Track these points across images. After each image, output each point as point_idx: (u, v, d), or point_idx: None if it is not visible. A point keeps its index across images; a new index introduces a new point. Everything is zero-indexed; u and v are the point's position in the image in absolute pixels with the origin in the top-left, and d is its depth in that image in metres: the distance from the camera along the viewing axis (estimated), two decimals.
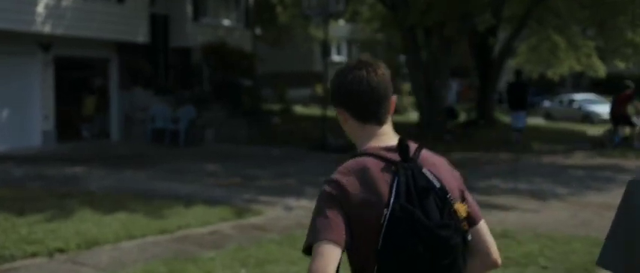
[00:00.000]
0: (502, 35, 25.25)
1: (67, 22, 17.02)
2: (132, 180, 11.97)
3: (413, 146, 2.15)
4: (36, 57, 17.10)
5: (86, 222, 8.31)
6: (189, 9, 21.43)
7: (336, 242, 1.96)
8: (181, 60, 21.69)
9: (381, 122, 2.20)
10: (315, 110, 29.94)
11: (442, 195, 2.03)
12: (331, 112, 28.74)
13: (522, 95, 18.35)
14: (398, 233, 1.95)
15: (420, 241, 1.94)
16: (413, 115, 36.76)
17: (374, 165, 2.08)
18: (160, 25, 20.97)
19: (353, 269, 2.10)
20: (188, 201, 9.74)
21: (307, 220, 2.16)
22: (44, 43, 17.12)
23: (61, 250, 7.15)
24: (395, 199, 1.98)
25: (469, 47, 25.22)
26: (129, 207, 9.27)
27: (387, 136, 2.20)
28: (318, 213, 2.04)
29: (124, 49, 19.35)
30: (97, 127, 19.78)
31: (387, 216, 1.97)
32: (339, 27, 47.28)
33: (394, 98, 2.24)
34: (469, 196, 2.21)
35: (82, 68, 19.71)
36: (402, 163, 2.06)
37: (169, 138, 18.63)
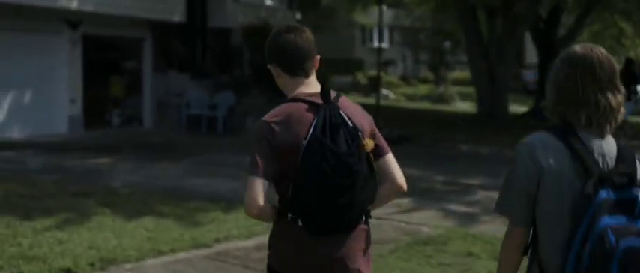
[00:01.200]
0: (565, 20, 23.21)
1: None
2: (162, 175, 10.38)
3: (333, 93, 2.62)
4: (63, 35, 15.62)
5: (103, 230, 6.72)
6: None
7: (262, 176, 2.52)
8: (220, 42, 20.09)
9: (307, 74, 2.71)
10: (357, 98, 28.23)
11: (353, 131, 2.55)
12: (384, 100, 26.85)
13: (630, 85, 16.71)
14: (311, 157, 2.46)
15: (327, 164, 2.44)
16: (462, 105, 34.82)
17: (300, 107, 2.60)
18: (197, 3, 19.36)
19: (279, 194, 2.60)
20: (228, 203, 8.11)
21: None
22: (72, 20, 15.63)
23: (67, 271, 5.57)
24: (313, 131, 2.50)
25: (530, 33, 23.20)
26: (157, 211, 7.67)
27: (313, 85, 2.70)
28: (251, 150, 2.59)
29: (159, 28, 17.82)
30: (128, 113, 18.29)
31: (305, 144, 2.48)
32: (382, 12, 45.27)
33: (317, 57, 2.74)
34: (379, 135, 2.76)
35: (113, 49, 18.19)
36: (324, 105, 2.56)
37: (206, 126, 17.06)
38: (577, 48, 2.41)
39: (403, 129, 16.43)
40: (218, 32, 19.98)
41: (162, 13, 17.22)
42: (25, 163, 11.07)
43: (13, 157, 11.66)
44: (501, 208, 2.42)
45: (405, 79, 54.96)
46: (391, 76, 53.33)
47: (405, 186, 2.73)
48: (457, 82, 50.66)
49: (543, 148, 2.33)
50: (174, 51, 18.28)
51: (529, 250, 2.42)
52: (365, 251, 2.69)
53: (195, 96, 17.44)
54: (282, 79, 2.73)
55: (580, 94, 2.33)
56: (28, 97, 15.15)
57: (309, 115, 2.56)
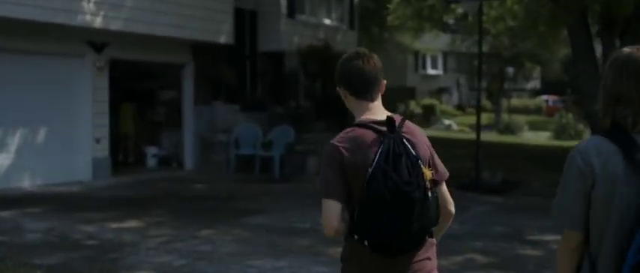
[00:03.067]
0: None
1: (127, 14, 12.60)
2: (209, 253, 7.19)
3: (398, 119, 2.77)
4: (85, 60, 12.73)
5: None
6: (283, 3, 16.82)
7: (336, 198, 2.67)
8: (273, 67, 17.10)
9: (372, 99, 2.86)
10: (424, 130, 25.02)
11: (415, 160, 2.67)
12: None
13: None
14: (375, 185, 2.62)
15: (389, 191, 2.60)
16: (532, 136, 31.24)
17: (367, 134, 2.74)
18: (246, 22, 16.46)
19: (349, 214, 2.71)
20: None
21: None
22: (96, 41, 12.78)
23: None
24: (377, 160, 2.64)
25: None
26: None
27: (377, 110, 2.85)
28: (323, 173, 2.73)
29: (201, 52, 14.89)
30: (167, 152, 15.36)
31: (370, 172, 2.63)
32: (437, 37, 42.60)
33: (384, 82, 2.90)
34: (437, 160, 2.88)
35: (147, 76, 15.31)
36: (388, 133, 2.71)
37: (259, 168, 13.99)
38: (625, 49, 2.42)
39: (504, 171, 13.14)
40: (270, 56, 17.00)
41: (207, 34, 14.29)
42: (20, 232, 8.02)
43: (7, 220, 8.66)
44: (555, 213, 2.42)
45: (460, 107, 51.57)
46: (446, 104, 50.05)
47: (453, 211, 2.94)
48: (515, 110, 47.52)
49: (597, 153, 2.32)
50: (220, 78, 15.31)
51: (584, 256, 2.39)
52: (432, 259, 2.86)
53: (246, 132, 14.40)
54: (349, 102, 2.89)
55: (627, 95, 2.33)
56: (41, 135, 12.24)
57: (375, 143, 2.70)
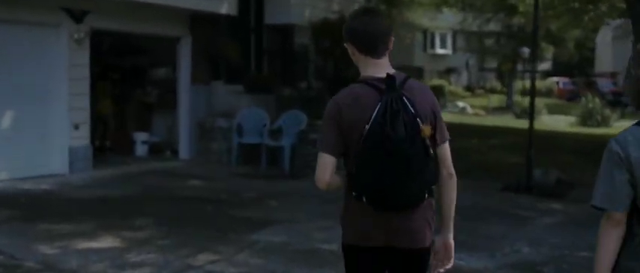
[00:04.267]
0: None
1: None
2: None
3: (400, 77, 2.82)
4: (61, 30, 10.67)
5: None
6: None
7: (330, 152, 2.79)
8: (281, 42, 15.05)
9: (378, 56, 2.89)
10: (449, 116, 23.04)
11: (412, 118, 2.71)
12: (462, 115, 21.19)
13: None
14: (371, 141, 2.70)
15: (384, 147, 2.68)
16: (551, 121, 29.12)
17: (367, 91, 2.80)
18: None
19: (347, 170, 2.84)
20: None
21: None
22: (74, 8, 10.71)
23: None
24: (374, 117, 2.71)
25: None
26: None
27: (382, 67, 2.87)
28: (322, 128, 2.88)
29: (200, 23, 12.84)
30: (159, 139, 13.37)
31: (367, 128, 2.71)
32: (446, 15, 40.70)
33: (392, 39, 2.91)
34: (441, 120, 2.91)
35: (136, 52, 13.27)
36: (387, 91, 2.75)
37: (266, 160, 12.00)
38: None
39: (549, 166, 11.16)
40: (278, 30, 14.97)
41: (206, 3, 12.25)
42: None
43: None
44: (596, 198, 2.49)
45: (470, 89, 49.49)
46: (455, 85, 47.96)
47: (453, 173, 2.94)
48: (527, 92, 45.71)
49: (635, 142, 2.43)
50: (220, 55, 13.26)
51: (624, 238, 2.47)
52: (430, 223, 2.90)
53: (251, 117, 12.40)
54: (356, 58, 2.92)
55: None
56: (6, 121, 10.23)
57: (374, 100, 2.75)
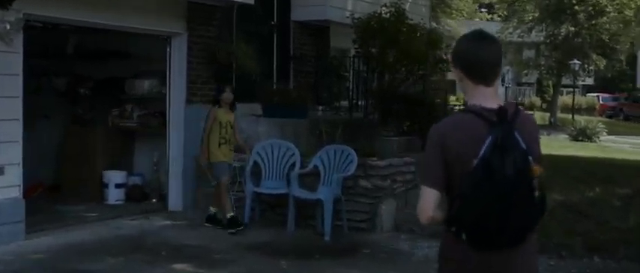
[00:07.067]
0: None
1: None
2: None
3: (512, 108, 2.60)
4: None
5: None
6: None
7: (434, 186, 2.58)
8: (314, 46, 11.16)
9: (488, 84, 2.66)
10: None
11: (524, 155, 2.49)
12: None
13: None
14: (478, 178, 2.48)
15: (492, 186, 2.45)
16: (619, 144, 24.59)
17: (474, 122, 2.57)
18: None
19: (449, 201, 2.60)
20: None
21: None
22: None
23: None
24: (484, 152, 2.47)
25: None
26: None
27: (492, 97, 2.65)
28: (425, 160, 2.67)
29: (200, 17, 8.97)
30: (141, 180, 9.48)
31: (474, 163, 2.47)
32: (483, 24, 37.65)
33: (501, 68, 2.72)
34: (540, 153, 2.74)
35: (102, 55, 9.39)
36: (498, 124, 2.53)
37: (295, 218, 7.95)
38: None
39: None
40: (309, 29, 11.10)
41: None
42: None
43: None
44: None
45: None
46: None
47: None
48: (565, 109, 42.35)
49: None
50: (229, 61, 9.30)
51: None
52: (534, 264, 2.76)
53: (273, 153, 8.39)
54: (464, 85, 2.73)
55: None
56: None
57: (483, 133, 2.55)
